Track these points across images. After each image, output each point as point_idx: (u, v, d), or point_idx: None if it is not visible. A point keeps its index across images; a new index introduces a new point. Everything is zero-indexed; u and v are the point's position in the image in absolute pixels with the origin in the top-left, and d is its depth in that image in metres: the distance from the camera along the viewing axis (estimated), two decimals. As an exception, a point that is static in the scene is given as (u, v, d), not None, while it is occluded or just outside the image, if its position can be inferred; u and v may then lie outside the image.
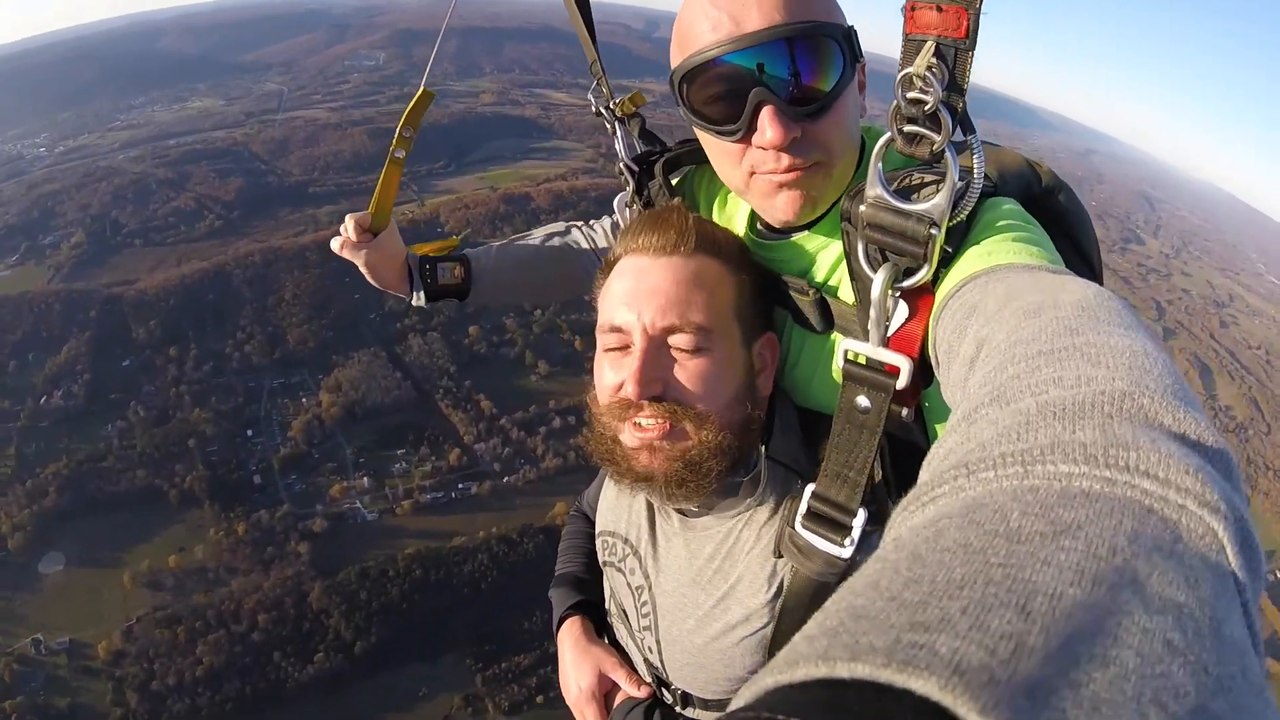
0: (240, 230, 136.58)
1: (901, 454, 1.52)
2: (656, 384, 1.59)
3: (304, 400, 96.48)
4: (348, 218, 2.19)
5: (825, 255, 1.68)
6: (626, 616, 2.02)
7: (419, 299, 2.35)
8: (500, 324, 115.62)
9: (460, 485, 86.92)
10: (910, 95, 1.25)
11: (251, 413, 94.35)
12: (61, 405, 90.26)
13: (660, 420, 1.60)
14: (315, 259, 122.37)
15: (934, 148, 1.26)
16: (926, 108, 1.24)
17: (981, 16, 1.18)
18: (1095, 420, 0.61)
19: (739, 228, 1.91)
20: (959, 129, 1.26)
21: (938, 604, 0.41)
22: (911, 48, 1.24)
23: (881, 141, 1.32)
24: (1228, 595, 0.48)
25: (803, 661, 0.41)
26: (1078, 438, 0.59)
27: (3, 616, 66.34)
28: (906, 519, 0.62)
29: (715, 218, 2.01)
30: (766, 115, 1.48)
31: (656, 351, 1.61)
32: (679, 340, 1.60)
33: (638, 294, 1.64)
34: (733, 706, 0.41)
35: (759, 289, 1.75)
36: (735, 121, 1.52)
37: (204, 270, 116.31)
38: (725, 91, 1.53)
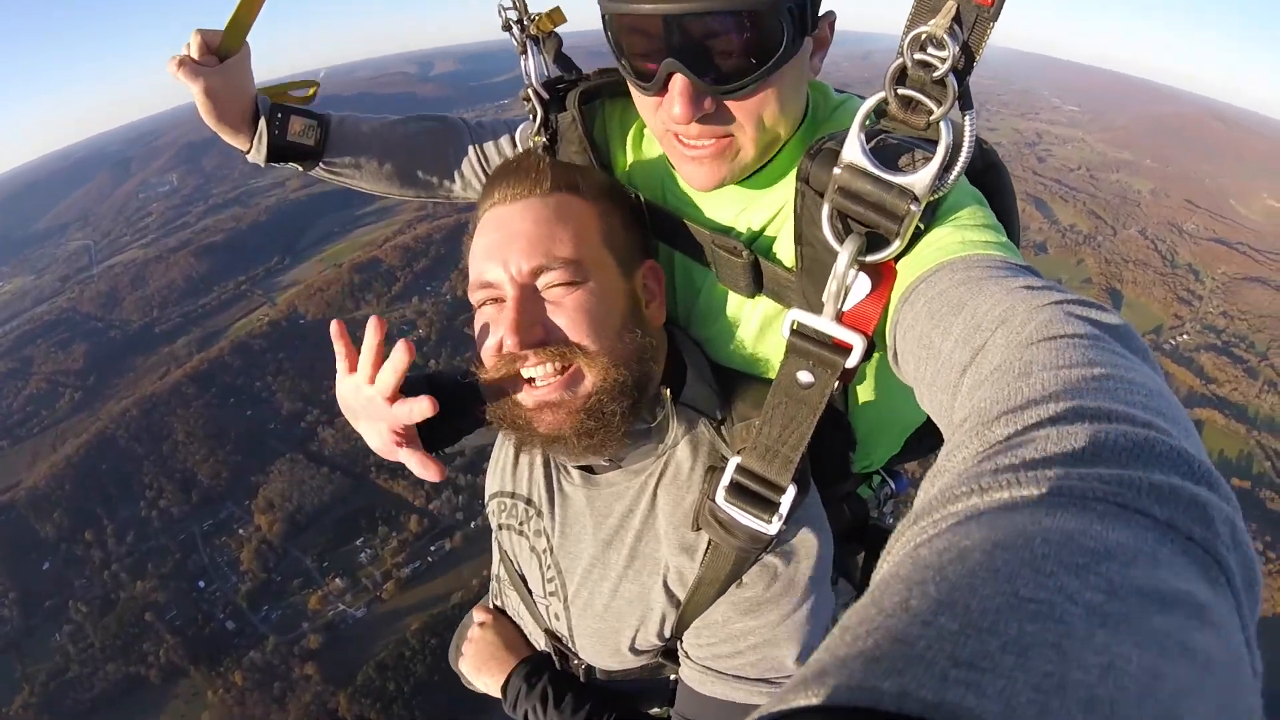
0: (103, 393, 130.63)
1: (821, 419, 1.37)
2: (536, 328, 1.49)
3: (241, 531, 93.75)
4: (194, 32, 1.88)
5: (756, 209, 1.60)
6: (526, 583, 1.93)
7: (258, 154, 2.03)
8: None
9: (432, 548, 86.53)
10: (919, 57, 1.15)
11: (195, 563, 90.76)
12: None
13: (551, 367, 1.51)
14: (193, 392, 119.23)
15: (932, 117, 1.17)
16: (935, 73, 1.14)
17: None
18: (1116, 456, 0.62)
19: (656, 173, 1.81)
20: (958, 102, 1.16)
21: (978, 638, 0.41)
22: (928, 4, 1.14)
23: (870, 103, 1.21)
24: (1236, 619, 0.51)
25: (841, 686, 0.40)
26: (1097, 472, 0.59)
27: None
28: (920, 534, 0.61)
29: (628, 155, 1.88)
30: (675, 88, 1.39)
31: (530, 298, 1.51)
32: (550, 278, 1.51)
33: (500, 243, 1.54)
34: (757, 715, 0.41)
35: (630, 218, 1.68)
36: (649, 80, 1.44)
37: (86, 444, 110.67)
38: (641, 48, 1.43)
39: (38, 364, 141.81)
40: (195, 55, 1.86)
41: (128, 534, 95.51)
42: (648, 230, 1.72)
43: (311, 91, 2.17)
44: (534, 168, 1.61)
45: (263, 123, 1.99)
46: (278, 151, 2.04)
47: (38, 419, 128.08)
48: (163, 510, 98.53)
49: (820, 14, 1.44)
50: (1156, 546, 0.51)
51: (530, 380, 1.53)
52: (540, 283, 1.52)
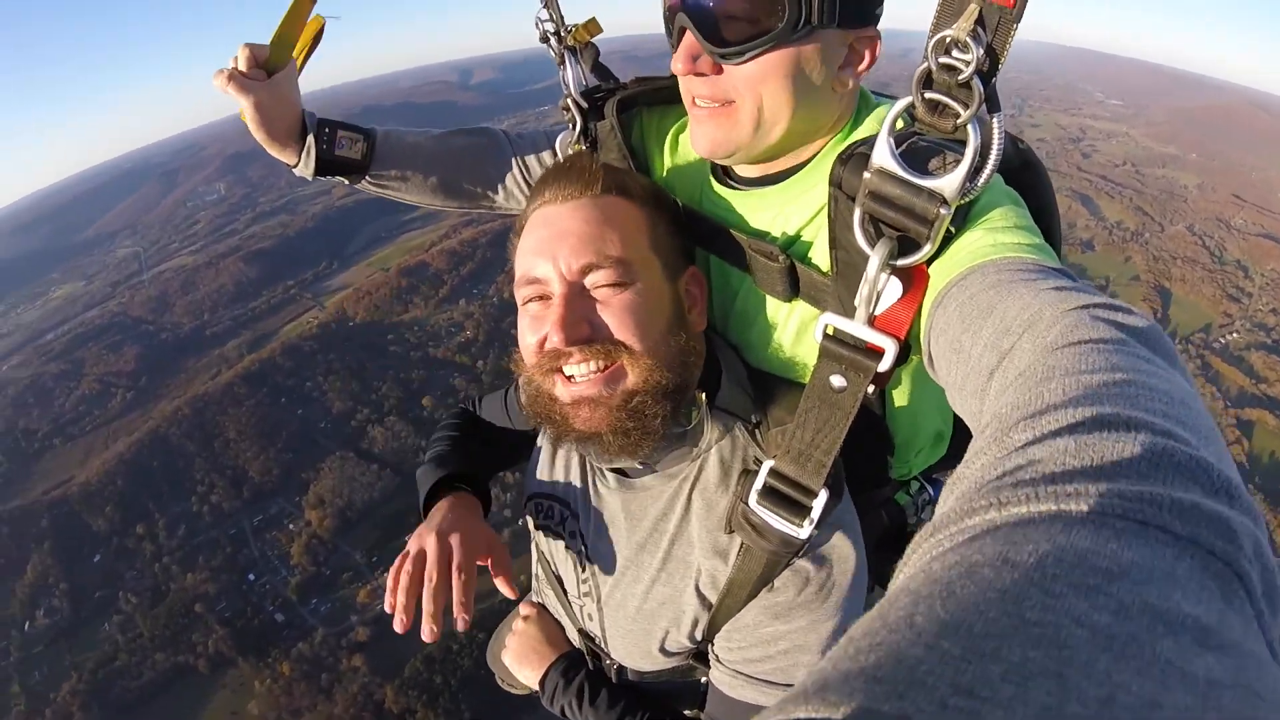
0: (155, 394, 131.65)
1: (858, 424, 1.38)
2: (583, 325, 1.52)
3: (291, 526, 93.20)
4: (241, 46, 1.94)
5: (793, 214, 1.61)
6: (562, 584, 1.96)
7: (306, 168, 2.09)
8: (449, 386, 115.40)
9: None
10: (944, 60, 1.16)
11: (245, 557, 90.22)
12: (49, 624, 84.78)
13: (594, 365, 1.53)
14: (245, 392, 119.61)
15: (959, 120, 1.18)
16: (960, 76, 1.14)
17: None
18: (1136, 468, 0.61)
19: (694, 178, 1.86)
20: (985, 104, 1.17)
21: (979, 664, 0.41)
22: (951, 8, 1.14)
23: (898, 107, 1.22)
24: (1255, 632, 0.50)
25: (842, 704, 0.41)
26: (1117, 487, 0.58)
27: None
28: (935, 547, 0.61)
29: (666, 161, 1.94)
30: (683, 39, 1.51)
31: (577, 295, 1.53)
32: (599, 277, 1.53)
33: (550, 240, 1.56)
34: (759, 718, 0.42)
35: (676, 224, 1.70)
36: (672, 35, 1.55)
37: (138, 441, 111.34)
38: (669, 3, 1.54)
39: (89, 366, 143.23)
40: (243, 68, 1.91)
41: (179, 528, 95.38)
42: (689, 237, 1.74)
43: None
44: (586, 169, 1.63)
45: (311, 138, 2.04)
46: (325, 166, 2.08)
47: (90, 418, 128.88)
48: (214, 505, 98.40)
49: (856, 25, 1.47)
50: (1174, 563, 0.51)
51: (570, 376, 1.55)
52: (588, 281, 1.53)
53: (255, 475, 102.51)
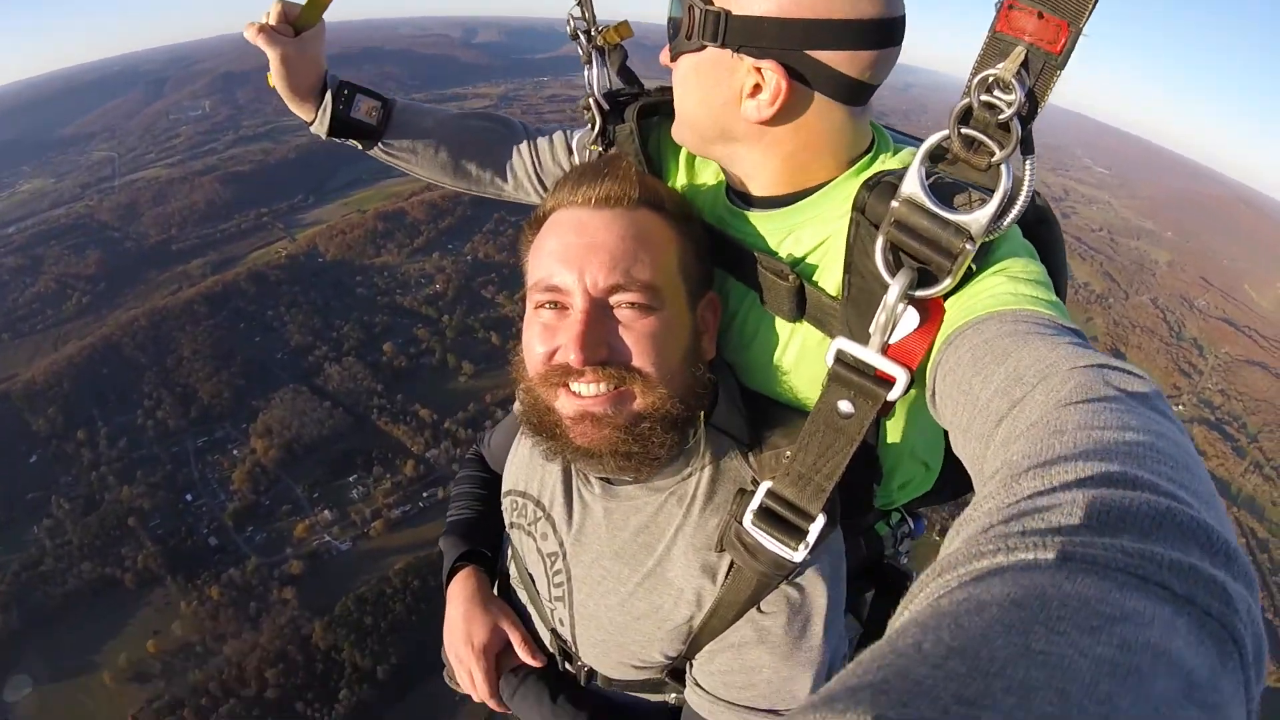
0: (112, 301, 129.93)
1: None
2: (601, 348, 1.47)
3: (235, 452, 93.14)
4: (275, 2, 2.01)
5: (804, 237, 1.58)
6: (534, 583, 1.93)
7: (321, 126, 2.13)
8: (412, 336, 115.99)
9: (425, 494, 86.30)
10: (986, 99, 1.16)
11: (185, 477, 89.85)
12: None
13: (604, 385, 1.50)
14: (204, 311, 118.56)
15: (994, 159, 1.18)
16: (1001, 115, 1.15)
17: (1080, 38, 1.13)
18: (1139, 526, 0.63)
19: (708, 193, 1.84)
20: (1020, 147, 1.18)
21: (983, 680, 0.42)
22: (997, 47, 1.16)
23: (934, 139, 1.23)
24: (1241, 694, 0.52)
25: (849, 712, 0.42)
26: (1120, 542, 0.60)
27: (-18, 764, 60.24)
28: (942, 587, 0.62)
29: (681, 174, 1.91)
30: None
31: (600, 313, 1.49)
32: (624, 299, 1.48)
33: (578, 250, 1.50)
34: None
35: (702, 247, 1.65)
36: None
37: (90, 346, 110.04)
38: None
39: (48, 264, 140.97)
40: (274, 23, 1.97)
41: (120, 439, 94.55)
42: (712, 259, 1.69)
43: None
44: (624, 175, 1.56)
45: (328, 97, 2.08)
46: (340, 126, 2.12)
47: (42, 317, 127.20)
48: (159, 421, 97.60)
49: (749, 51, 1.44)
50: (1174, 618, 0.52)
51: (576, 392, 1.52)
52: (613, 299, 1.49)
53: (205, 396, 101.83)
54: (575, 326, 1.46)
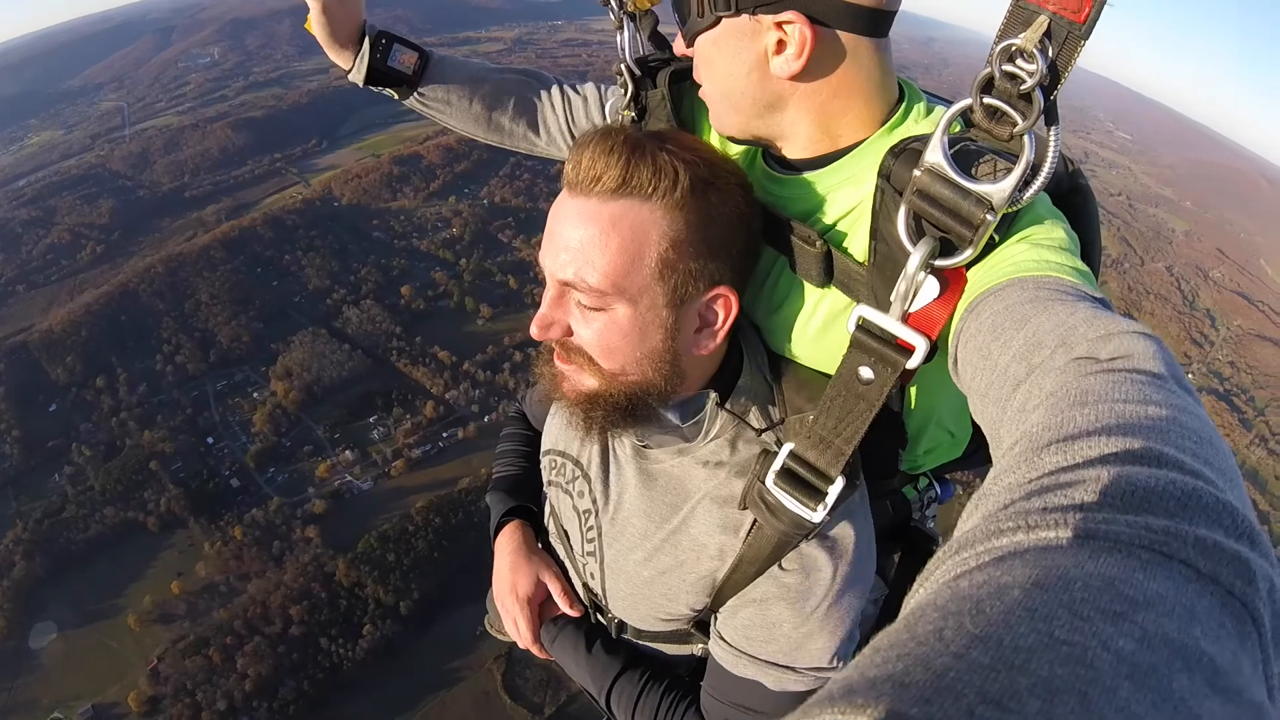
0: (127, 249, 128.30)
1: (876, 415, 1.41)
2: (554, 329, 1.53)
3: (255, 395, 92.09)
4: None
5: (837, 201, 1.57)
6: (569, 539, 2.00)
7: (358, 74, 2.17)
8: (429, 280, 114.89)
9: (445, 434, 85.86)
10: (1007, 68, 1.16)
11: (206, 420, 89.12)
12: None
13: (564, 360, 1.58)
14: (221, 256, 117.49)
15: (1015, 130, 1.18)
16: (1023, 86, 1.15)
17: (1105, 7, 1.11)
18: (1164, 505, 0.62)
19: (743, 159, 1.82)
20: (1043, 117, 1.17)
21: (1008, 675, 0.42)
22: (1020, 16, 1.15)
23: (956, 108, 1.23)
24: (1260, 674, 0.51)
25: (869, 707, 0.41)
26: (1145, 520, 0.59)
27: (11, 708, 60.68)
28: (960, 565, 0.61)
29: (714, 140, 1.87)
30: None
31: (560, 299, 1.53)
32: (575, 297, 1.50)
33: (549, 237, 1.52)
34: None
35: (716, 236, 1.52)
36: None
37: (107, 294, 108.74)
38: None
39: (61, 215, 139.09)
40: None
41: (140, 385, 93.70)
42: (746, 243, 1.60)
43: None
44: (606, 152, 1.44)
45: (366, 44, 2.11)
46: (376, 75, 2.15)
47: (57, 268, 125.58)
48: (178, 366, 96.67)
49: (763, 9, 1.43)
50: (1196, 599, 0.52)
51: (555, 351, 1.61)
52: (571, 292, 1.52)
53: (224, 341, 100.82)
54: (542, 305, 1.53)
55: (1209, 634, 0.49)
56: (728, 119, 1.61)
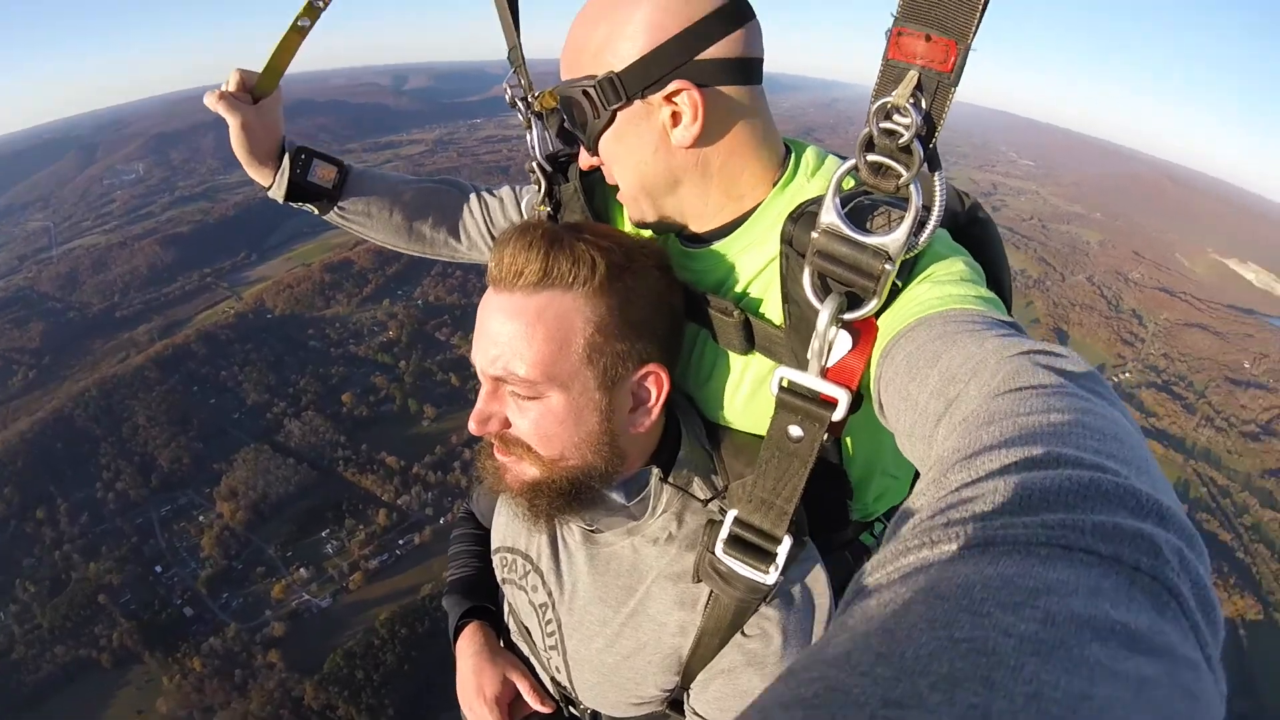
0: (59, 374, 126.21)
1: (816, 470, 1.41)
2: (493, 422, 1.56)
3: (201, 518, 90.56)
4: (233, 70, 2.10)
5: (745, 266, 1.62)
6: (530, 635, 1.98)
7: (278, 190, 2.19)
8: (370, 385, 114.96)
9: (401, 541, 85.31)
10: (884, 125, 1.20)
11: (152, 548, 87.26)
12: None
13: (504, 452, 1.60)
14: (156, 376, 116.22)
15: (900, 181, 1.22)
16: (900, 140, 1.19)
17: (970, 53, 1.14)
18: (1061, 501, 0.63)
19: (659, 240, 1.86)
20: (926, 165, 1.21)
21: (909, 680, 0.43)
22: (891, 74, 1.19)
23: (843, 169, 1.28)
24: (1191, 641, 0.51)
25: None
26: (1040, 518, 0.60)
27: None
28: (871, 586, 0.62)
29: (628, 226, 1.90)
30: None
31: (494, 392, 1.56)
32: (508, 389, 1.53)
33: (477, 335, 1.56)
34: None
35: (639, 317, 1.55)
36: None
37: (41, 420, 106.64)
38: None
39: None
40: (232, 88, 2.06)
41: (81, 515, 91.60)
42: (670, 321, 1.63)
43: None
44: (525, 247, 1.48)
45: (286, 160, 2.15)
46: (297, 190, 2.18)
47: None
48: (120, 493, 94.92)
49: (651, 89, 1.49)
50: (1099, 580, 0.52)
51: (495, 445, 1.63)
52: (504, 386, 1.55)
53: (164, 463, 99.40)
54: (478, 402, 1.56)
55: (1120, 607, 0.49)
56: (640, 204, 1.65)
